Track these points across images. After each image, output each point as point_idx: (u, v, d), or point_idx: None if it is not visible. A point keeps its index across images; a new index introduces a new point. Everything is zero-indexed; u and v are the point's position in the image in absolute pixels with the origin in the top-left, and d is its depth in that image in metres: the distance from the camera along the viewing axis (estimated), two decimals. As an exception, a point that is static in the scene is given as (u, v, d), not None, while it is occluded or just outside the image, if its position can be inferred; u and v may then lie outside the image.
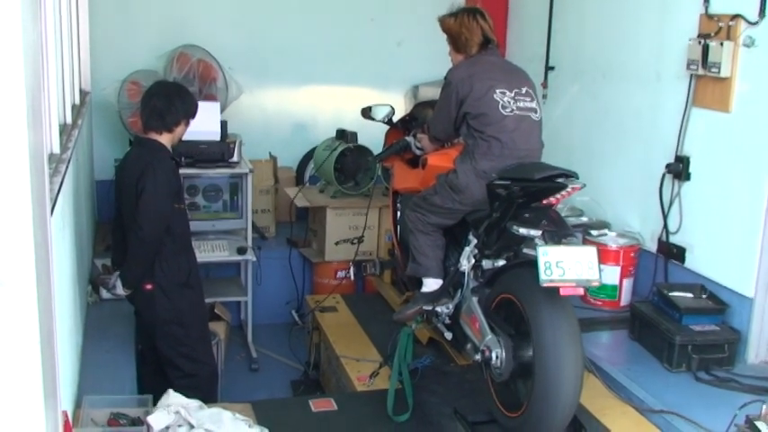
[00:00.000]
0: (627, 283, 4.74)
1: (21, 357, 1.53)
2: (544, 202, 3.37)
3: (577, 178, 3.35)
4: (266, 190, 6.21)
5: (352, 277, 5.94)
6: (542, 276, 2.98)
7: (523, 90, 3.67)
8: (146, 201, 3.73)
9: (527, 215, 3.31)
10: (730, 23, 4.15)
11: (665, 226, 4.68)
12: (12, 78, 1.43)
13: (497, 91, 3.59)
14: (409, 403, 3.73)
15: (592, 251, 3.09)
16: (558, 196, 3.35)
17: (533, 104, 3.68)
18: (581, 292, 3.09)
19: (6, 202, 1.45)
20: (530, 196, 3.34)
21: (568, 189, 3.32)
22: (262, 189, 6.13)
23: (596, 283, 3.08)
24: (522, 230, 3.22)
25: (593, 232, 4.87)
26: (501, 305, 3.41)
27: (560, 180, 3.33)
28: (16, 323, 1.50)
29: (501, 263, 3.51)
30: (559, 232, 3.21)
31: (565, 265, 3.00)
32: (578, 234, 4.81)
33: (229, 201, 5.50)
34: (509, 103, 3.58)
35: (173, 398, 3.27)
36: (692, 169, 4.52)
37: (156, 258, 3.85)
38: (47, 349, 1.71)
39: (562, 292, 3.02)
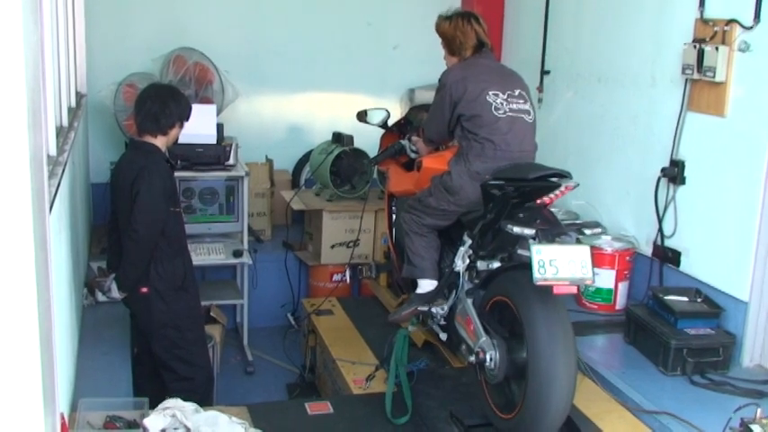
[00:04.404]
0: (622, 287, 4.75)
1: (20, 359, 1.53)
2: (538, 201, 3.39)
3: (571, 178, 3.37)
4: (262, 193, 6.20)
5: (348, 280, 5.96)
6: (536, 275, 3.00)
7: (516, 92, 3.69)
8: (141, 204, 3.72)
9: (521, 215, 3.33)
10: (725, 28, 4.17)
11: (661, 230, 4.69)
12: (13, 79, 1.43)
13: (490, 93, 3.61)
14: (408, 405, 3.73)
15: (585, 250, 3.11)
16: (552, 196, 3.37)
17: (526, 106, 3.70)
18: (574, 290, 3.11)
19: (7, 203, 1.45)
20: (524, 196, 3.36)
21: (562, 188, 3.34)
22: (258, 192, 6.13)
23: (590, 282, 3.10)
24: (516, 229, 3.23)
25: (587, 231, 4.88)
26: (495, 307, 3.43)
27: (554, 179, 3.35)
28: (16, 325, 1.50)
29: (496, 264, 3.54)
30: (553, 231, 3.22)
31: (558, 264, 3.02)
32: (572, 233, 4.82)
33: (225, 204, 5.50)
34: (502, 104, 3.61)
35: (170, 401, 3.28)
36: (687, 173, 4.53)
37: (152, 262, 3.85)
38: (46, 351, 1.71)
39: (555, 290, 3.04)
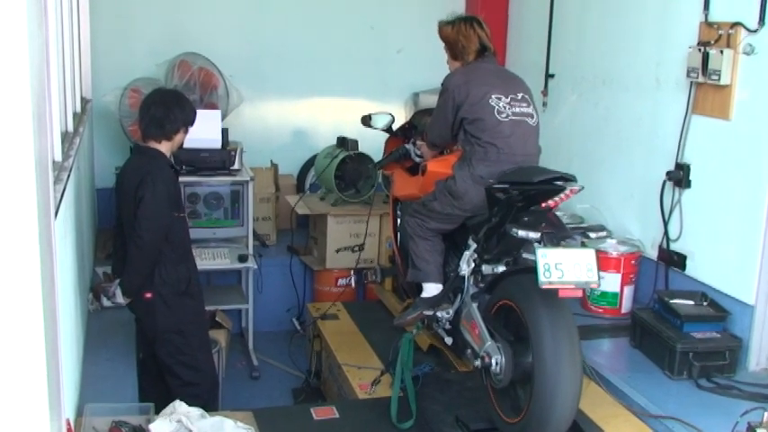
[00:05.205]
0: (628, 291, 4.74)
1: (26, 364, 1.53)
2: (543, 205, 3.38)
3: (576, 181, 3.36)
4: (267, 198, 6.21)
5: (353, 285, 5.95)
6: (541, 278, 2.99)
7: (519, 96, 3.70)
8: (144, 209, 3.72)
9: (526, 219, 3.32)
10: (730, 31, 4.16)
11: (666, 233, 4.68)
12: (18, 85, 1.44)
13: (493, 96, 3.62)
14: (413, 410, 3.73)
15: (590, 253, 3.10)
16: (557, 199, 3.36)
17: (529, 110, 3.70)
18: (579, 293, 3.11)
19: (12, 208, 1.45)
20: (528, 199, 3.36)
21: (567, 191, 3.34)
22: (263, 197, 6.14)
23: (595, 285, 3.09)
24: (521, 233, 3.22)
25: (592, 235, 4.87)
26: (500, 311, 3.42)
27: (559, 183, 3.35)
28: (22, 330, 1.50)
29: (501, 269, 3.53)
30: (558, 234, 3.22)
31: (564, 267, 3.01)
32: (577, 237, 4.81)
33: (230, 208, 5.50)
34: (504, 108, 3.61)
35: (177, 407, 3.28)
36: (692, 177, 4.52)
37: (156, 267, 3.84)
38: (51, 356, 1.71)
39: (561, 293, 3.04)
